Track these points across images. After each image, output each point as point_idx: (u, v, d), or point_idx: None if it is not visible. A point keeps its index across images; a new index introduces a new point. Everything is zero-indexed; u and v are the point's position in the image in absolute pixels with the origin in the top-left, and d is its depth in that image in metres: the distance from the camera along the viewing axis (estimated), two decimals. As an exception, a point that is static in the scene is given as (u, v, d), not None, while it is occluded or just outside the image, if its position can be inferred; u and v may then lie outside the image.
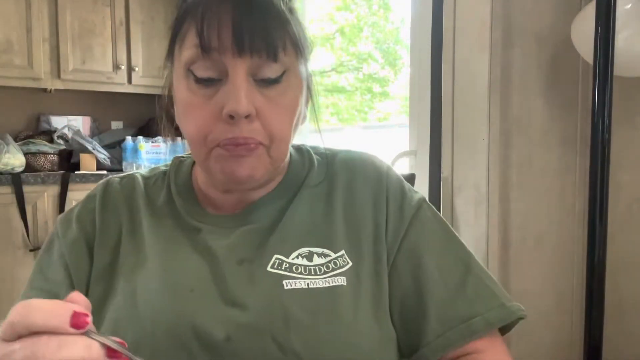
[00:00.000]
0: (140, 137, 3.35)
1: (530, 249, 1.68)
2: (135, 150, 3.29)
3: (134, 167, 3.26)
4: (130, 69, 3.38)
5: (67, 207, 2.88)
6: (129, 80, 3.39)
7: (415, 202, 0.69)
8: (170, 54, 0.64)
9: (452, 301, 0.63)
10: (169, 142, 3.44)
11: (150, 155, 3.32)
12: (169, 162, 0.76)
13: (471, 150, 1.62)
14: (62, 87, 3.20)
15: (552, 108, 1.67)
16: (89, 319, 0.39)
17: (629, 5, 1.35)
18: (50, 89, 3.18)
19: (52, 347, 0.37)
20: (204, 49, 0.57)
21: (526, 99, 1.64)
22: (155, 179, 0.73)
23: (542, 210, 1.68)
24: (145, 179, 0.73)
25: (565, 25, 1.53)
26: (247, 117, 0.57)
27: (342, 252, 0.65)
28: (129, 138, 3.32)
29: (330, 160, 0.73)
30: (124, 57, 3.36)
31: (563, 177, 1.70)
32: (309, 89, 0.69)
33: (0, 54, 2.95)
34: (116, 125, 3.67)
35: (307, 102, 0.69)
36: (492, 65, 1.58)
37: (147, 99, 3.62)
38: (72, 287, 0.65)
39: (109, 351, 0.40)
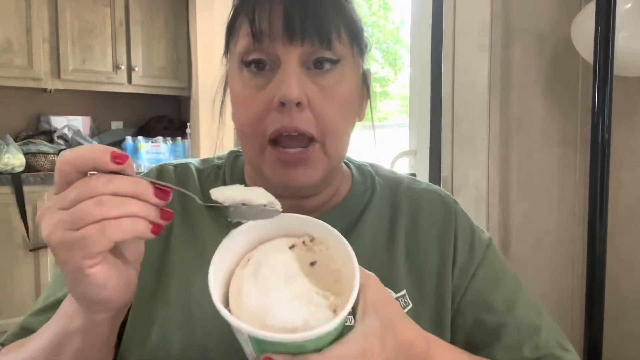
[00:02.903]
0: (140, 137, 3.35)
1: (530, 249, 1.68)
2: (135, 150, 3.29)
3: (134, 168, 3.26)
4: (130, 69, 3.38)
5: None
6: (129, 80, 3.39)
7: (484, 242, 0.68)
8: (226, 50, 0.63)
9: (521, 344, 0.63)
10: (169, 142, 3.44)
11: (150, 155, 3.32)
12: (222, 155, 0.73)
13: (471, 150, 1.62)
14: (62, 87, 3.20)
15: (552, 108, 1.67)
16: (129, 158, 0.43)
17: (629, 5, 1.35)
18: (50, 89, 3.18)
19: (102, 182, 0.41)
20: (255, 36, 0.56)
21: (526, 99, 1.64)
22: (209, 172, 0.70)
23: (542, 210, 1.68)
24: (199, 170, 0.70)
25: (565, 25, 1.53)
26: (298, 105, 0.55)
27: (404, 292, 0.62)
28: (129, 138, 3.33)
29: (393, 187, 0.70)
30: (124, 57, 3.36)
31: (563, 177, 1.70)
32: (366, 86, 0.66)
33: (0, 54, 2.95)
34: (116, 125, 3.67)
35: (363, 100, 0.67)
36: (492, 65, 1.58)
37: (147, 99, 3.63)
38: None
39: (157, 191, 0.44)
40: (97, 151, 0.42)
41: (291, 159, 0.57)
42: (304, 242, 0.47)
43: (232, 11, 0.61)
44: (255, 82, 0.58)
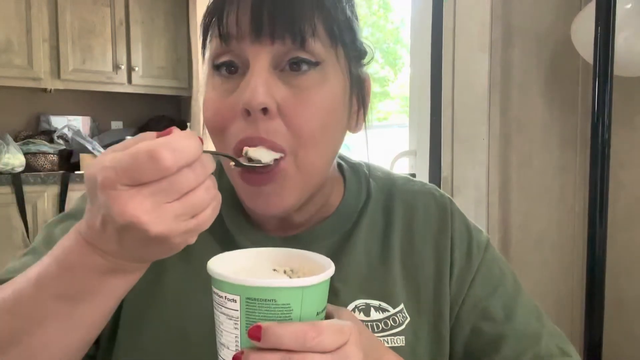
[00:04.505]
0: (140, 137, 3.36)
1: (530, 249, 1.68)
2: (135, 150, 3.29)
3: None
4: (130, 69, 3.38)
5: (67, 207, 2.87)
6: (129, 80, 3.39)
7: (482, 245, 0.65)
8: (203, 56, 0.58)
9: (521, 355, 0.61)
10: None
11: (150, 155, 3.32)
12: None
13: (471, 150, 1.62)
14: (62, 87, 3.20)
15: (552, 108, 1.67)
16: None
17: (629, 5, 1.35)
18: (50, 89, 3.18)
19: (202, 169, 0.40)
20: (222, 37, 0.51)
21: (526, 99, 1.64)
22: None
23: (542, 210, 1.68)
24: None
25: (565, 25, 1.53)
26: (265, 112, 0.49)
27: (401, 306, 0.60)
28: (128, 138, 3.33)
29: (388, 190, 0.65)
30: (124, 57, 3.36)
31: (563, 177, 1.70)
32: (361, 94, 0.59)
33: (0, 54, 2.95)
34: (116, 125, 3.67)
35: (359, 109, 0.59)
36: (492, 65, 1.58)
37: (147, 99, 3.63)
38: None
39: None
40: (197, 148, 0.39)
41: (256, 179, 0.51)
42: (285, 271, 0.48)
43: (204, 14, 0.55)
44: (225, 87, 0.52)
